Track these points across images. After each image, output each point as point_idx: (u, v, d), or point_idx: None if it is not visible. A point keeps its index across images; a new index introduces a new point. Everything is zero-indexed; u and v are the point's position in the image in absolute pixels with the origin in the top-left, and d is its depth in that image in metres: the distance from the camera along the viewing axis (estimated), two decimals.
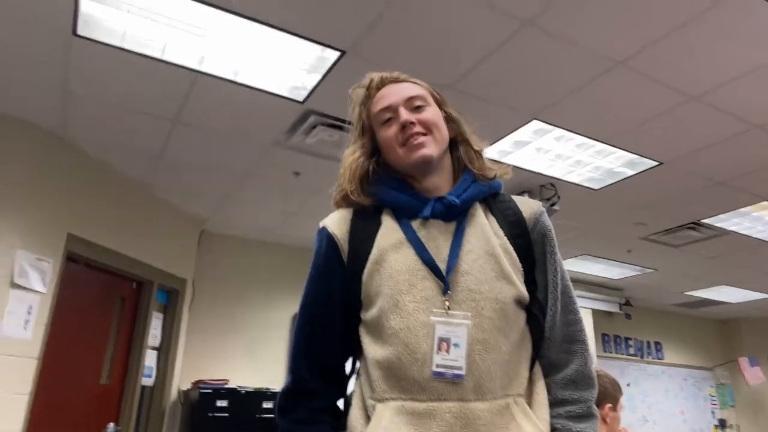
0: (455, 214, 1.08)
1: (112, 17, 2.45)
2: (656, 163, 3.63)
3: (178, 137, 3.46)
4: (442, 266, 1.02)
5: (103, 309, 3.90)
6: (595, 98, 2.96)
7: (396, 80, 1.18)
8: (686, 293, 6.87)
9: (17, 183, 3.18)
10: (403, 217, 1.09)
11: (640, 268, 5.91)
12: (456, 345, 0.96)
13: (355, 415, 1.02)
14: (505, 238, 1.08)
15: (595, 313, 6.70)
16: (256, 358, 4.94)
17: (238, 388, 4.27)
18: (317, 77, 2.84)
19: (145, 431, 4.14)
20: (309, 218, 4.77)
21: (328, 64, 2.73)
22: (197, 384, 4.31)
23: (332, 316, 1.08)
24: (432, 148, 1.09)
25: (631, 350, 7.40)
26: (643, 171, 3.74)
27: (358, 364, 1.11)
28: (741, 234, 4.78)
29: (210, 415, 4.04)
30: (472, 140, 1.16)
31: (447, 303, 0.99)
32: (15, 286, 3.06)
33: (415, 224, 1.07)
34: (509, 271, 1.04)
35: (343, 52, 2.64)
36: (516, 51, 2.60)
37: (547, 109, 3.08)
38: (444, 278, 1.01)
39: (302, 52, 2.66)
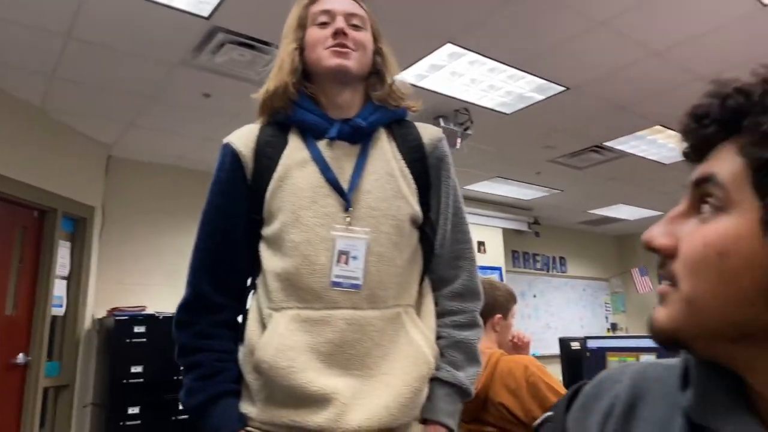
0: (360, 137, 1.12)
1: None
2: (563, 88, 3.78)
3: (73, 55, 3.18)
4: (345, 186, 1.08)
5: (4, 239, 3.68)
6: (507, 23, 2.99)
7: None
8: (589, 212, 7.39)
9: None
10: (310, 136, 1.11)
11: (547, 189, 6.26)
12: (354, 257, 1.03)
13: (251, 326, 1.06)
14: (403, 161, 1.14)
15: (506, 231, 7.09)
16: (174, 284, 4.88)
17: (156, 314, 4.25)
18: None
19: (59, 360, 4.07)
20: (221, 142, 4.63)
21: None
22: (112, 311, 4.24)
23: (235, 231, 1.10)
24: (353, 63, 1.11)
25: (539, 265, 7.97)
26: (552, 96, 3.89)
27: (256, 280, 1.13)
28: (638, 156, 5.15)
29: (127, 341, 4.02)
30: (389, 72, 1.18)
31: (348, 219, 1.05)
32: None
33: (321, 144, 1.10)
34: (406, 192, 1.11)
35: None
36: None
37: (461, 34, 3.09)
38: (346, 196, 1.06)
39: None
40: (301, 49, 1.14)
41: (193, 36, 3.04)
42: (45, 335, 3.81)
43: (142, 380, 3.98)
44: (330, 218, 1.04)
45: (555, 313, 7.99)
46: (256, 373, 1.02)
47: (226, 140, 1.14)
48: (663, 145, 4.88)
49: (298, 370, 0.97)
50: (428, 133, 1.20)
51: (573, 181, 5.96)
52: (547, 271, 8.09)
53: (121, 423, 3.85)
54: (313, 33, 1.13)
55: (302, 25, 1.15)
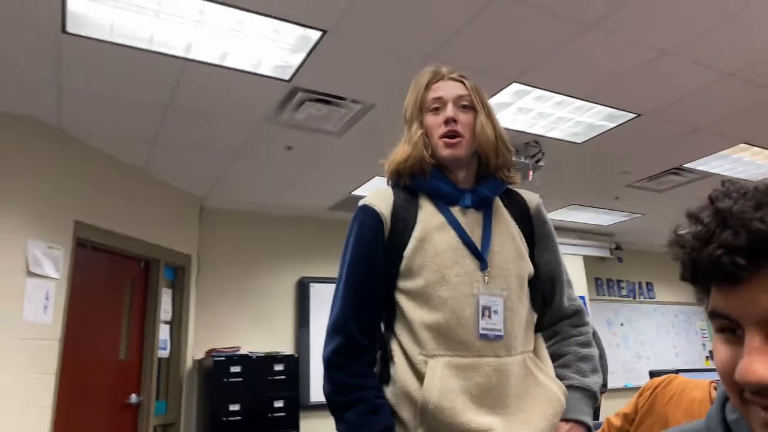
0: (484, 205, 1.31)
1: (98, 12, 2.53)
2: (634, 115, 3.76)
3: (172, 121, 3.56)
4: (478, 248, 1.26)
5: (115, 289, 4.09)
6: (570, 58, 3.06)
7: (453, 78, 1.36)
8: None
9: (23, 177, 3.31)
10: (442, 203, 1.29)
11: (627, 213, 6.11)
12: (495, 312, 1.21)
13: (401, 369, 1.20)
14: (516, 224, 1.34)
15: (587, 258, 6.93)
16: (263, 325, 5.18)
17: (250, 354, 4.51)
18: (302, 56, 2.93)
19: (166, 399, 4.40)
20: (304, 190, 4.92)
21: (311, 43, 2.83)
22: (210, 353, 4.54)
23: (376, 283, 1.25)
24: (462, 149, 1.29)
25: (624, 292, 7.68)
26: (623, 123, 3.87)
27: (394, 326, 1.26)
28: (723, 175, 4.95)
29: (225, 380, 4.29)
30: (500, 143, 1.33)
31: (486, 278, 1.23)
32: (31, 274, 3.23)
33: (455, 210, 1.29)
34: (524, 252, 1.31)
35: (324, 32, 2.73)
36: (492, 18, 2.69)
37: (526, 72, 3.19)
38: (482, 257, 1.24)
39: (285, 33, 2.75)
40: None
41: (276, 97, 3.32)
42: (153, 377, 4.15)
43: (239, 418, 4.21)
44: (470, 277, 1.22)
45: (645, 341, 7.62)
46: (412, 411, 1.16)
47: (365, 202, 1.29)
48: (750, 162, 4.68)
49: (458, 410, 1.13)
50: (531, 198, 1.40)
51: (654, 204, 5.79)
52: (634, 297, 7.77)
53: None
54: (429, 120, 1.32)
55: (421, 109, 1.34)
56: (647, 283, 7.94)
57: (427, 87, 1.35)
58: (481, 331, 1.18)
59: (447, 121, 1.28)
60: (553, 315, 1.35)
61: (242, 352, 4.61)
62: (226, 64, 2.96)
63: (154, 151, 4.00)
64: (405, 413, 1.17)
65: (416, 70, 1.44)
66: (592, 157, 4.47)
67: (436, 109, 1.31)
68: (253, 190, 4.90)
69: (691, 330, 8.14)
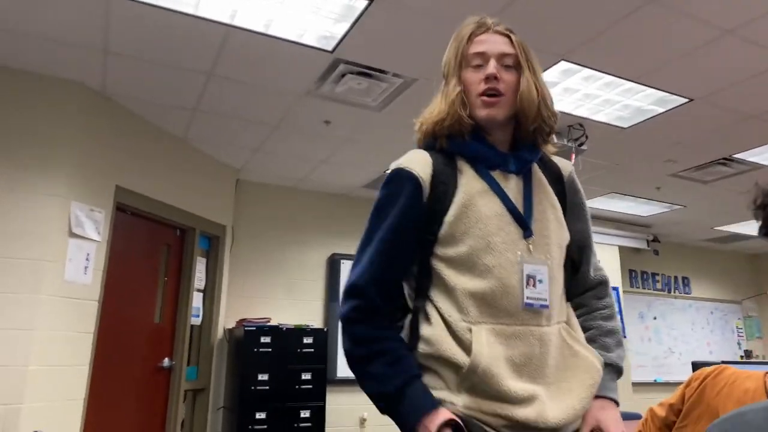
0: (525, 170, 1.25)
1: None
2: (686, 100, 3.61)
3: (213, 90, 3.57)
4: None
5: (152, 255, 4.16)
6: (624, 36, 2.95)
7: (499, 32, 1.26)
8: (716, 228, 6.87)
9: (68, 140, 3.37)
10: (482, 167, 1.22)
11: (668, 204, 5.93)
12: (540, 281, 1.16)
13: (440, 333, 1.14)
14: (553, 192, 1.27)
15: (622, 249, 6.77)
16: (294, 298, 5.23)
17: (280, 326, 4.55)
18: (346, 26, 2.89)
19: (197, 365, 4.48)
20: (339, 165, 4.90)
21: (357, 12, 2.78)
22: (241, 322, 4.60)
23: (408, 250, 1.19)
24: (501, 110, 1.21)
25: (658, 285, 7.50)
26: (673, 108, 3.73)
27: (431, 292, 1.20)
28: None
29: (255, 350, 4.34)
30: (544, 106, 1.22)
31: (530, 246, 1.18)
32: (73, 235, 3.30)
33: (496, 175, 1.22)
34: (563, 220, 1.25)
35: (370, 0, 2.68)
36: None
37: (576, 50, 3.08)
38: (527, 225, 1.19)
39: (331, 1, 2.70)
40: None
41: (318, 68, 3.29)
42: (186, 343, 4.22)
43: (267, 388, 4.27)
44: (514, 245, 1.16)
45: (678, 337, 7.45)
46: (451, 373, 1.12)
47: (402, 165, 1.20)
48: None
49: (504, 377, 1.10)
50: (564, 165, 1.33)
51: (697, 196, 5.60)
52: (669, 291, 7.58)
53: (250, 427, 4.16)
54: (468, 76, 1.23)
55: (461, 63, 1.25)
56: (683, 278, 7.74)
57: (470, 39, 1.24)
58: (527, 301, 1.13)
59: (488, 78, 1.19)
60: (578, 284, 1.31)
61: (272, 323, 4.66)
62: (270, 32, 2.94)
63: (194, 120, 4.02)
64: (443, 374, 1.13)
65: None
66: (637, 144, 4.33)
67: (478, 66, 1.22)
68: (289, 164, 4.91)
69: (727, 328, 7.92)
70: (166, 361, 4.08)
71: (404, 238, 1.19)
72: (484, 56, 1.22)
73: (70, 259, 3.27)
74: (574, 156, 3.91)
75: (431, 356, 1.14)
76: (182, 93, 3.62)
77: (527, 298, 1.13)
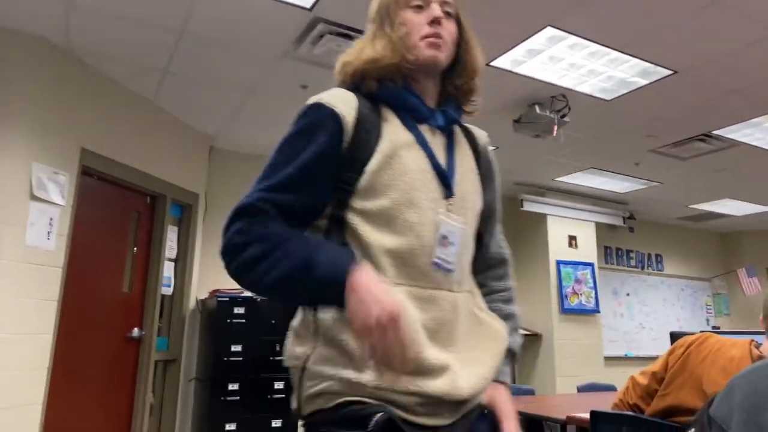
0: (449, 129, 1.17)
1: None
2: (671, 72, 3.57)
3: (184, 50, 3.40)
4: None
5: (121, 222, 4.01)
6: (612, 3, 2.87)
7: None
8: (690, 206, 6.95)
9: (28, 97, 3.18)
10: (408, 118, 1.12)
11: (646, 181, 5.95)
12: (452, 243, 1.07)
13: None
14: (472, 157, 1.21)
15: (598, 225, 6.81)
16: None
17: (254, 297, 4.46)
18: None
19: (168, 336, 4.38)
20: None
21: None
22: (214, 293, 4.49)
23: (316, 197, 1.06)
24: (444, 56, 1.13)
25: (632, 262, 7.59)
26: (657, 80, 3.68)
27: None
28: (751, 145, 4.77)
29: (228, 321, 4.25)
30: (473, 68, 1.18)
31: (450, 206, 1.09)
32: (35, 198, 3.13)
33: (423, 129, 1.12)
34: (479, 187, 1.18)
35: None
36: None
37: (563, 15, 3.00)
38: (449, 184, 1.10)
39: None
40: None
41: (294, 28, 3.15)
42: (156, 313, 4.11)
43: (241, 359, 4.19)
44: (435, 203, 1.07)
45: (650, 313, 7.58)
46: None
47: (323, 100, 1.07)
48: None
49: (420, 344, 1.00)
50: (480, 135, 1.27)
51: (674, 173, 5.63)
52: (642, 268, 7.68)
53: (222, 398, 4.09)
54: (408, 17, 1.13)
55: (398, 3, 1.15)
56: (656, 255, 7.85)
57: None
58: (435, 259, 1.04)
59: (434, 21, 1.11)
60: (481, 258, 1.22)
61: (246, 294, 4.56)
62: None
63: (165, 82, 3.84)
64: (349, 347, 0.99)
65: None
66: (618, 117, 4.30)
67: (418, 7, 1.13)
68: (265, 130, 4.76)
69: (697, 305, 8.09)
70: (135, 331, 3.96)
71: (315, 181, 1.04)
72: None
73: (31, 223, 3.11)
74: (556, 127, 3.85)
75: (338, 324, 1.00)
76: (152, 52, 3.44)
77: (436, 257, 1.04)
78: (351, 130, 1.06)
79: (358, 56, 1.13)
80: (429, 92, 1.16)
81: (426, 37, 1.11)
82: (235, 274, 0.99)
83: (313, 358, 1.03)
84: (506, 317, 1.21)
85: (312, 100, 1.09)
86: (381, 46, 1.12)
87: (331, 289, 0.93)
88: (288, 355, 1.08)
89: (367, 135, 1.07)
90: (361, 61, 1.12)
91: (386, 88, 1.12)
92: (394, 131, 1.09)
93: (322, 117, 1.06)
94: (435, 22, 1.11)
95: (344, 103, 1.07)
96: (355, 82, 1.13)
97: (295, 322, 1.09)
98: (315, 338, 1.04)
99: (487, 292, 1.22)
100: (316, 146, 1.04)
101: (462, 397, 1.02)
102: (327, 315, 1.02)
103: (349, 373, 0.99)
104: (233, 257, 0.98)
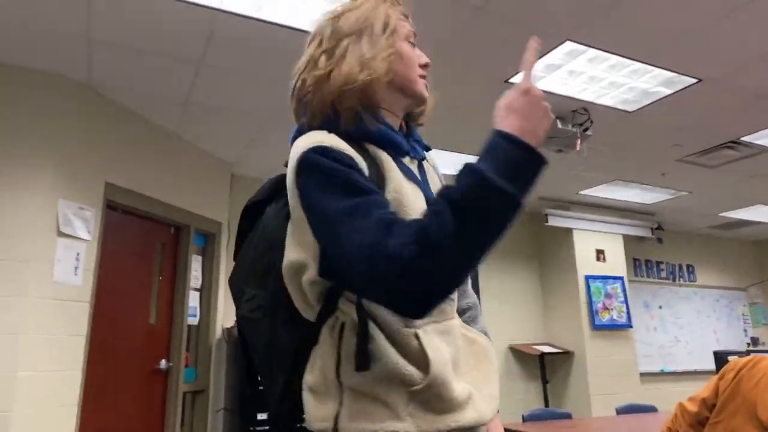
0: (421, 157, 1.17)
1: None
2: (695, 81, 3.49)
3: (203, 81, 3.43)
4: None
5: (145, 254, 4.03)
6: (631, 14, 2.82)
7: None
8: (720, 215, 6.77)
9: (53, 135, 3.23)
10: (392, 152, 1.06)
11: (674, 191, 5.82)
12: None
13: (381, 343, 0.96)
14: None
15: (626, 238, 6.67)
16: None
17: None
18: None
19: (195, 366, 4.36)
20: None
21: None
22: None
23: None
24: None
25: (663, 274, 7.39)
26: (681, 90, 3.61)
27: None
28: None
29: None
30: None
31: None
32: (61, 234, 3.17)
33: (407, 162, 1.10)
34: None
35: None
36: None
37: (581, 29, 2.95)
38: None
39: None
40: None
41: None
42: (183, 343, 4.10)
43: None
44: None
45: (684, 325, 7.35)
46: (400, 392, 0.95)
47: (325, 144, 0.96)
48: None
49: (452, 381, 0.99)
50: (431, 156, 1.26)
51: (703, 182, 5.49)
52: (674, 280, 7.48)
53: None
54: (407, 50, 1.12)
55: (393, 32, 1.10)
56: (688, 266, 7.64)
57: (406, 17, 1.15)
58: None
59: (426, 66, 1.15)
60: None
61: None
62: (261, 16, 2.80)
63: (186, 113, 3.88)
64: (391, 396, 0.94)
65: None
66: (642, 128, 4.21)
67: (412, 44, 1.14)
68: (284, 157, 4.76)
69: (733, 315, 7.83)
70: (163, 363, 3.95)
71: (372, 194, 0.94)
72: (414, 36, 1.16)
73: (58, 259, 3.14)
74: (579, 141, 3.78)
75: (380, 377, 0.95)
76: (172, 84, 3.48)
77: None
78: (365, 170, 0.98)
79: (341, 78, 1.04)
80: (398, 123, 1.15)
81: (421, 77, 1.14)
82: (443, 256, 0.80)
83: (346, 416, 0.96)
84: (474, 320, 1.23)
85: (312, 145, 0.97)
86: (367, 65, 1.04)
87: (513, 160, 0.95)
88: (311, 418, 0.98)
89: (375, 178, 1.00)
90: (340, 80, 1.04)
91: (366, 128, 1.04)
92: (391, 170, 1.03)
93: (342, 157, 0.96)
94: (426, 67, 1.15)
95: (342, 144, 0.98)
96: (325, 120, 1.04)
97: (310, 379, 1.00)
98: (338, 394, 0.97)
99: (459, 312, 1.22)
100: (359, 175, 0.95)
101: (487, 421, 1.03)
102: (352, 378, 0.96)
103: (392, 424, 0.95)
104: (427, 250, 0.80)
